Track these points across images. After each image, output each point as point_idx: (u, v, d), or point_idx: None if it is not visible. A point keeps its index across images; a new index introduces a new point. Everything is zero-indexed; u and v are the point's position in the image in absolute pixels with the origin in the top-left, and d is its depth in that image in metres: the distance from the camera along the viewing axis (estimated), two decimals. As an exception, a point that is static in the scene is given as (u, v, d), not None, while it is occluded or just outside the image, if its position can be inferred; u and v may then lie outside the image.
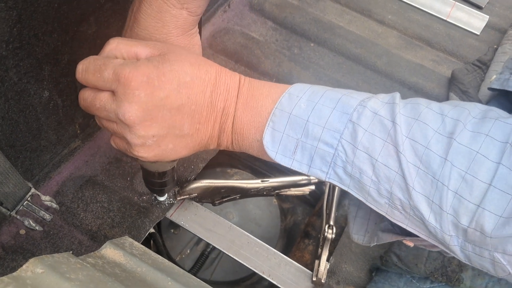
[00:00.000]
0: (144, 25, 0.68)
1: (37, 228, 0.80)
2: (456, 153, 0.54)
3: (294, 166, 0.63)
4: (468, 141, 0.54)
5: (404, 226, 0.61)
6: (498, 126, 0.54)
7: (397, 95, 0.62)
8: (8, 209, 0.76)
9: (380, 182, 0.59)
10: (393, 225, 0.71)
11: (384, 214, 0.62)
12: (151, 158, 0.66)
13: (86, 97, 0.65)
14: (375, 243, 0.73)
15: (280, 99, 0.64)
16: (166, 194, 0.97)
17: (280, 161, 0.64)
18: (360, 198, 0.62)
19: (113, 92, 0.62)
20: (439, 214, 0.55)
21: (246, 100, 0.66)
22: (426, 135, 0.56)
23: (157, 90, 0.61)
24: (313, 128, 0.61)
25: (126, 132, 0.63)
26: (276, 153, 0.64)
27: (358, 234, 0.76)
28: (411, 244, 0.70)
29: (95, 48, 0.90)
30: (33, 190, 0.79)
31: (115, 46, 0.65)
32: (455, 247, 0.57)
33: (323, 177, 0.62)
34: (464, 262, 0.60)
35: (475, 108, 0.58)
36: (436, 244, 0.61)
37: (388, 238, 0.71)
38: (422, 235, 0.60)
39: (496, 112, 0.57)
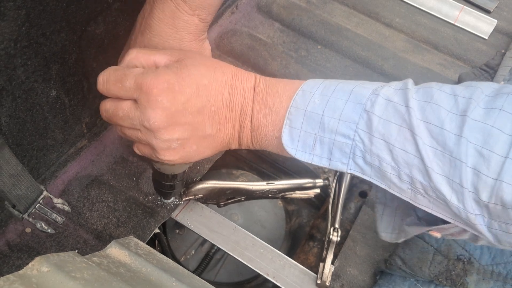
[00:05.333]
0: (157, 31, 0.70)
1: (49, 230, 0.80)
2: (471, 129, 0.55)
3: (315, 161, 0.65)
4: (482, 116, 0.55)
5: (429, 211, 0.62)
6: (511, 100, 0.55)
7: (410, 81, 0.63)
8: (21, 212, 0.76)
9: (400, 168, 0.60)
10: (419, 219, 0.72)
11: (408, 200, 0.63)
12: (176, 160, 0.68)
13: (108, 108, 0.67)
14: (403, 239, 0.74)
15: (294, 97, 0.65)
16: (172, 198, 0.98)
17: (301, 158, 0.65)
18: (383, 186, 0.63)
19: (135, 101, 0.64)
20: (461, 193, 0.56)
21: (262, 98, 0.68)
22: (439, 116, 0.57)
23: (178, 95, 0.63)
24: (328, 122, 0.62)
25: (151, 137, 0.65)
26: (296, 150, 0.65)
27: (385, 232, 0.77)
28: (438, 235, 0.70)
29: (103, 47, 0.91)
30: (45, 192, 0.79)
31: (135, 55, 0.67)
32: (482, 226, 0.57)
33: (344, 168, 0.64)
34: (494, 243, 0.60)
35: (489, 87, 0.58)
36: (463, 226, 0.61)
37: (414, 231, 0.72)
38: (448, 218, 0.61)
39: (510, 88, 0.58)
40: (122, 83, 0.64)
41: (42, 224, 0.79)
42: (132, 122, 0.65)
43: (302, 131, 0.64)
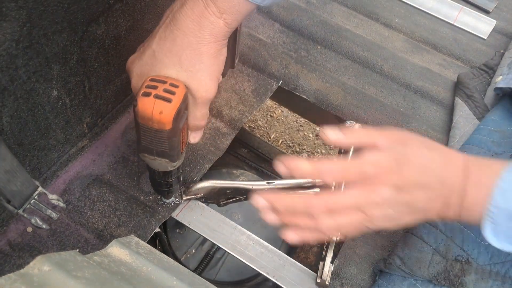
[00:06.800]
0: (180, 25, 0.73)
1: (44, 226, 0.80)
2: None
3: None
4: None
5: None
6: None
7: None
8: (15, 207, 0.76)
9: None
10: None
11: None
12: (387, 227, 0.77)
13: (351, 198, 0.75)
14: None
15: (493, 196, 0.71)
16: (173, 196, 0.98)
17: (504, 248, 0.71)
18: None
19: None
20: None
21: (474, 177, 0.74)
22: None
23: (405, 172, 0.73)
24: None
25: (374, 209, 0.74)
26: (499, 242, 0.71)
27: None
28: None
29: (104, 48, 0.91)
30: (40, 188, 0.79)
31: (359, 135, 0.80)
32: None
33: None
34: None
35: None
36: None
37: None
38: None
39: None
40: (362, 170, 0.74)
41: (37, 219, 0.79)
42: (367, 200, 0.74)
43: (505, 227, 0.70)
